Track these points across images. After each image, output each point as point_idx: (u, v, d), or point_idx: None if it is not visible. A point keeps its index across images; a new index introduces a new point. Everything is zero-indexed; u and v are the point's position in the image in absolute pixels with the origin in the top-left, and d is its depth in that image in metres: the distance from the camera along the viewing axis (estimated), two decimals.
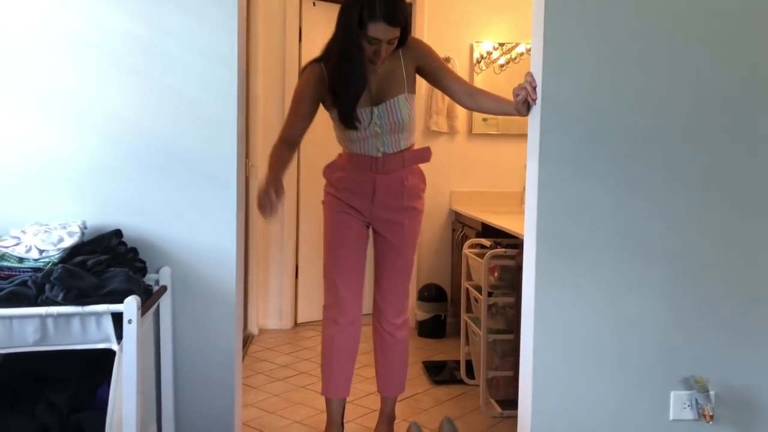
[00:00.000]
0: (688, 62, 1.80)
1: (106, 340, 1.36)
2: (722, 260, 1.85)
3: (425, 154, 2.37)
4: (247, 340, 3.77)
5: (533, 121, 1.85)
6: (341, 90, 2.14)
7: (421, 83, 4.01)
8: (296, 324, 4.13)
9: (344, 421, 2.37)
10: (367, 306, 2.43)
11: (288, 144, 2.22)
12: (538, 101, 1.80)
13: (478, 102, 2.20)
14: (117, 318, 1.36)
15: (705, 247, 1.85)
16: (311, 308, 4.19)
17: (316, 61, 2.23)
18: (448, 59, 4.06)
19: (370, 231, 2.37)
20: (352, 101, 2.14)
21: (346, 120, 2.17)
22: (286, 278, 4.07)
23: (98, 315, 1.35)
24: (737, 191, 1.84)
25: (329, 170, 2.37)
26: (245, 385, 3.02)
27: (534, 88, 1.79)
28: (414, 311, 4.08)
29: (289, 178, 4.02)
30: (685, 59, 1.80)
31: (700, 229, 1.84)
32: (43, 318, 1.32)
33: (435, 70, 2.25)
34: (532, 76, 1.81)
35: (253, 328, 3.94)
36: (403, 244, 2.34)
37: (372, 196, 2.27)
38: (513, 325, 2.70)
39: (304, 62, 3.94)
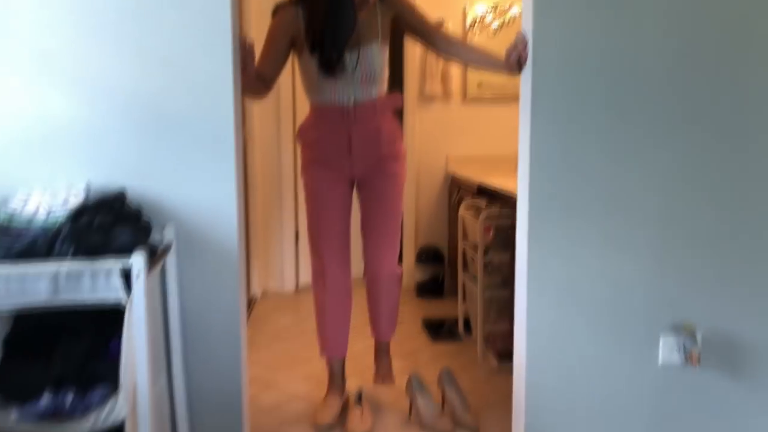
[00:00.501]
0: (678, 21, 1.82)
1: (116, 294, 1.42)
2: (709, 212, 1.90)
3: (396, 100, 2.36)
4: (250, 302, 3.85)
5: (524, 83, 1.88)
6: (331, 33, 2.11)
7: (416, 47, 4.04)
8: (298, 287, 4.22)
9: (345, 376, 2.45)
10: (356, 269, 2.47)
11: (259, 77, 2.15)
12: (529, 62, 1.83)
13: (457, 51, 2.22)
14: (125, 274, 1.42)
15: (694, 200, 1.89)
16: None
17: (290, 3, 2.19)
18: (441, 23, 4.06)
19: (354, 191, 2.38)
20: (341, 44, 2.12)
21: (330, 65, 2.14)
22: (286, 243, 4.14)
23: (107, 270, 1.40)
24: (725, 148, 1.88)
25: (302, 133, 2.36)
26: (250, 344, 3.10)
27: (525, 47, 1.82)
28: (413, 273, 4.16)
29: (286, 142, 4.06)
30: (674, 18, 1.82)
31: (687, 186, 1.88)
32: (54, 274, 1.38)
33: (411, 19, 2.23)
34: (523, 35, 1.84)
35: (256, 292, 4.02)
36: (388, 191, 2.34)
37: (349, 150, 2.26)
38: (508, 282, 2.77)
39: None
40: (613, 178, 1.87)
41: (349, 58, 2.16)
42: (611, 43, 1.82)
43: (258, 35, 3.82)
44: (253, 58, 1.91)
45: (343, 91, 2.21)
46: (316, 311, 2.41)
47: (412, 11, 2.25)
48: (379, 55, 2.20)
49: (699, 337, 1.92)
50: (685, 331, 1.91)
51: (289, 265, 4.16)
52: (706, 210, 1.90)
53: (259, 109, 3.96)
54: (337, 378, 2.41)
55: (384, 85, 2.31)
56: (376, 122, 2.26)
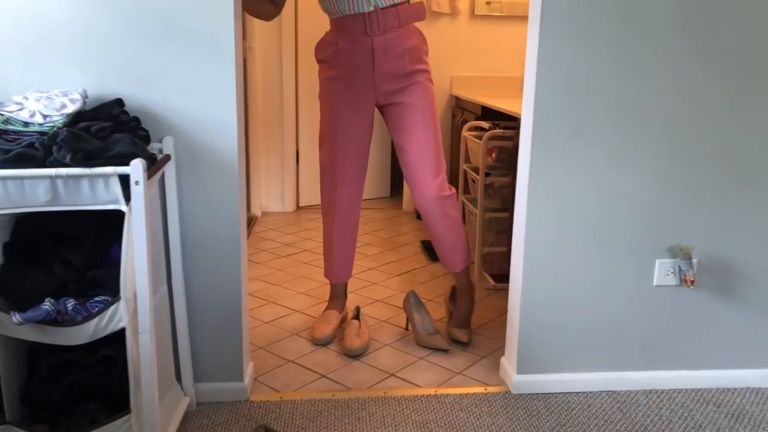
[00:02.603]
0: None
1: (115, 201, 1.42)
2: (716, 135, 1.88)
3: (420, 11, 2.20)
4: (250, 221, 3.87)
5: None
6: None
7: None
8: (298, 207, 4.23)
9: (347, 293, 2.49)
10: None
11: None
12: None
13: None
14: (124, 180, 1.41)
15: (699, 122, 1.87)
16: (313, 192, 4.27)
17: None
18: None
19: (381, 113, 2.26)
20: None
21: None
22: (287, 162, 4.12)
23: (106, 177, 1.39)
24: (736, 68, 1.84)
25: (320, 49, 2.23)
26: (250, 261, 3.14)
27: None
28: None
29: (286, 59, 3.97)
30: None
31: (697, 105, 1.86)
32: (53, 179, 1.37)
33: None
34: None
35: (257, 211, 4.04)
36: (424, 106, 2.16)
37: (372, 65, 2.13)
38: (508, 204, 2.78)
39: None
40: (622, 94, 1.83)
41: None
42: None
43: None
44: None
45: None
46: (324, 238, 2.39)
47: None
48: None
49: (695, 261, 1.94)
50: (681, 253, 1.93)
51: (290, 185, 4.16)
52: (711, 130, 1.88)
53: (259, 23, 3.84)
54: (339, 296, 2.44)
55: None
56: (400, 34, 2.12)
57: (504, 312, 2.53)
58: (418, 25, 2.24)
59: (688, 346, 2.02)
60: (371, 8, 2.09)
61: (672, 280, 1.96)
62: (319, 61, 2.26)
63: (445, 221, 2.23)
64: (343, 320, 2.43)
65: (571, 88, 1.82)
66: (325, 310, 2.42)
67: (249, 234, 3.65)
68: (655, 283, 1.96)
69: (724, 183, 1.92)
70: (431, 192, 2.18)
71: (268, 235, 3.64)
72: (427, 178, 2.17)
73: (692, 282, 1.91)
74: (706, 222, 1.94)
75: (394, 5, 2.12)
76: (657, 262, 1.95)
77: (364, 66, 2.15)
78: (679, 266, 1.94)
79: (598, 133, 1.85)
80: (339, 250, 2.36)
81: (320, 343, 2.28)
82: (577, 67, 1.81)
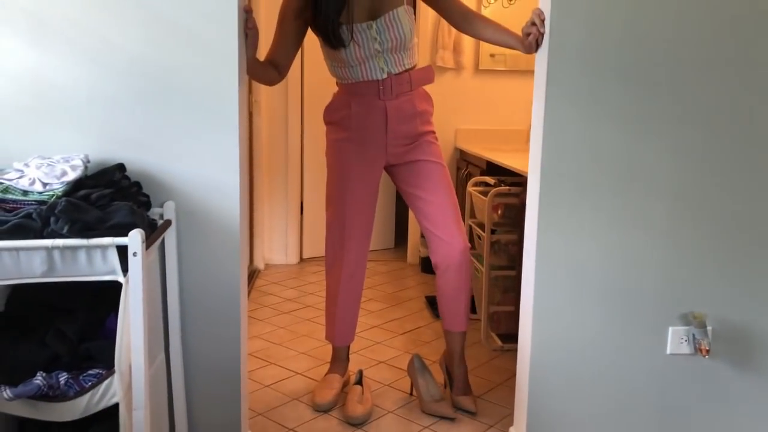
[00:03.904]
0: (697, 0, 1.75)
1: (112, 272, 1.38)
2: (724, 198, 1.85)
3: (429, 74, 2.22)
4: (253, 274, 3.83)
5: (540, 57, 1.81)
6: (322, 5, 1.99)
7: (428, 16, 3.93)
8: (302, 259, 4.19)
9: (349, 356, 2.43)
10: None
11: (272, 64, 2.07)
12: (546, 35, 1.75)
13: (475, 27, 2.08)
14: (122, 251, 1.37)
15: (708, 184, 1.84)
16: (316, 244, 4.23)
17: None
18: None
19: (388, 173, 2.25)
20: (330, 13, 1.99)
21: (329, 37, 2.02)
22: (291, 214, 4.09)
23: (103, 248, 1.36)
24: (742, 129, 1.82)
25: (329, 112, 2.23)
26: (251, 318, 3.09)
27: (543, 22, 1.74)
28: (418, 248, 4.12)
29: (293, 111, 3.99)
30: None
31: (703, 167, 1.83)
32: (49, 250, 1.34)
33: None
34: (540, 10, 1.76)
35: (259, 263, 3.99)
36: (439, 159, 2.19)
37: (385, 128, 2.13)
38: (515, 262, 2.73)
39: None
40: (628, 158, 1.81)
41: (371, 27, 2.03)
42: (632, 17, 1.75)
43: (266, 10, 3.74)
44: (254, 41, 1.78)
45: (374, 65, 2.08)
46: (327, 298, 2.33)
47: None
48: (405, 18, 2.05)
49: (709, 328, 1.87)
50: (695, 321, 1.87)
51: (293, 237, 4.12)
52: (721, 194, 1.85)
53: None
54: (341, 359, 2.38)
55: (416, 52, 2.18)
56: (412, 98, 2.15)
57: (511, 375, 2.46)
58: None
59: (705, 417, 1.94)
60: (384, 75, 2.10)
61: (686, 349, 1.89)
62: (327, 123, 2.26)
63: (466, 275, 2.21)
64: (346, 384, 2.36)
65: (577, 150, 1.80)
66: (326, 374, 2.35)
67: (251, 288, 3.60)
68: (668, 352, 1.90)
69: (735, 246, 1.87)
70: (461, 244, 2.16)
71: (270, 290, 3.59)
72: (456, 230, 2.17)
73: (708, 351, 1.84)
74: (719, 287, 1.88)
75: (406, 70, 2.14)
76: (670, 329, 1.89)
77: (377, 128, 2.15)
78: (693, 334, 1.87)
79: (604, 196, 1.82)
80: (343, 311, 2.30)
81: (321, 410, 2.21)
82: (583, 130, 1.79)
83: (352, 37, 2.03)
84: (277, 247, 4.12)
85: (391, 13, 2.03)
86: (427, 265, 4.00)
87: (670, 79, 1.78)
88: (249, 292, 3.49)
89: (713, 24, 1.76)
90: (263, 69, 2.02)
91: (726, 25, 1.77)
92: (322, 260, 4.12)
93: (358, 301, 2.33)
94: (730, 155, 1.83)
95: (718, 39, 1.77)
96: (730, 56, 1.78)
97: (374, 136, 2.16)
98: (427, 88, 2.25)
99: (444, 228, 2.16)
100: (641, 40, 1.76)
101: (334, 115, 2.22)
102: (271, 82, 2.10)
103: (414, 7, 2.15)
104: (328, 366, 2.42)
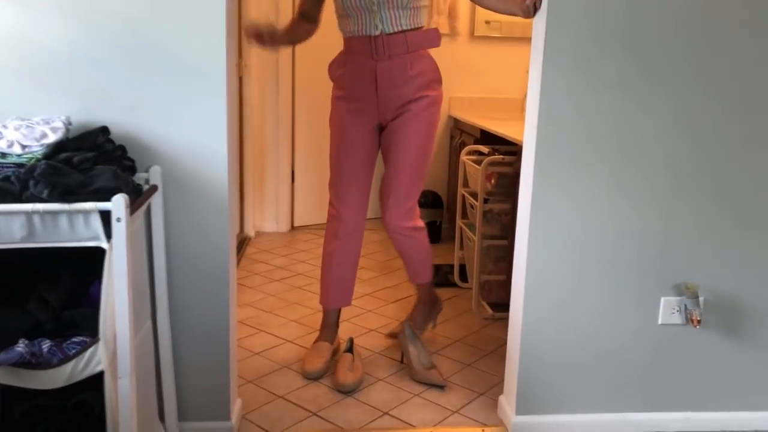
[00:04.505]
0: None
1: (95, 238, 1.34)
2: (721, 170, 1.82)
3: (433, 37, 2.16)
4: (243, 242, 3.79)
5: (538, 23, 1.76)
6: None
7: None
8: (293, 227, 4.15)
9: (339, 320, 2.41)
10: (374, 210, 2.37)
11: (304, 17, 2.17)
12: (544, 3, 1.70)
13: None
14: (106, 216, 1.33)
15: (705, 157, 1.81)
16: (308, 212, 4.20)
17: None
18: None
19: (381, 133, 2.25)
20: None
21: None
22: (282, 182, 4.04)
23: (86, 213, 1.32)
24: (742, 102, 1.79)
25: (332, 68, 2.24)
26: (242, 285, 3.06)
27: None
28: None
29: (283, 78, 3.91)
30: None
31: (701, 139, 1.80)
32: (29, 215, 1.30)
33: None
34: None
35: (250, 231, 3.96)
36: (406, 135, 2.14)
37: (375, 90, 2.12)
38: (507, 231, 2.71)
39: None
40: (625, 127, 1.77)
41: None
42: None
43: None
44: (271, 33, 1.92)
45: (370, 20, 2.04)
46: (323, 261, 2.32)
47: None
48: None
49: (701, 300, 1.86)
50: (688, 292, 1.86)
51: (285, 205, 4.08)
52: (718, 166, 1.82)
53: None
54: (330, 325, 2.36)
55: (422, 17, 2.12)
56: (406, 60, 2.09)
57: (502, 344, 2.46)
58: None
59: (694, 387, 1.94)
60: (377, 32, 2.06)
61: (677, 319, 1.89)
62: (331, 80, 2.28)
63: (404, 247, 2.30)
64: (336, 352, 2.35)
65: (574, 119, 1.76)
66: (315, 341, 2.34)
67: (241, 256, 3.57)
68: (660, 322, 1.89)
69: (731, 219, 1.85)
70: (391, 223, 2.23)
71: (261, 257, 3.56)
72: (393, 208, 2.20)
73: (699, 322, 1.84)
74: (713, 259, 1.87)
75: (402, 31, 2.08)
76: (662, 299, 1.88)
77: (368, 90, 2.14)
78: (685, 305, 1.86)
79: (601, 165, 1.79)
80: (338, 271, 2.30)
81: (311, 378, 2.20)
82: (580, 98, 1.75)
83: None
84: (268, 215, 4.08)
85: None
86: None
87: (671, 48, 1.73)
88: (239, 260, 3.46)
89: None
90: (296, 30, 2.12)
91: (728, 2, 1.72)
92: (314, 228, 4.11)
93: (355, 263, 2.32)
94: (728, 127, 1.80)
95: (722, 8, 1.72)
96: (734, 26, 1.73)
97: (366, 97, 2.15)
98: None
99: (384, 201, 2.22)
100: (643, 8, 1.70)
101: (333, 72, 2.24)
102: (309, 35, 2.19)
103: None
104: (317, 334, 2.40)
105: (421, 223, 2.30)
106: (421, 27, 2.13)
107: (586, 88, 1.74)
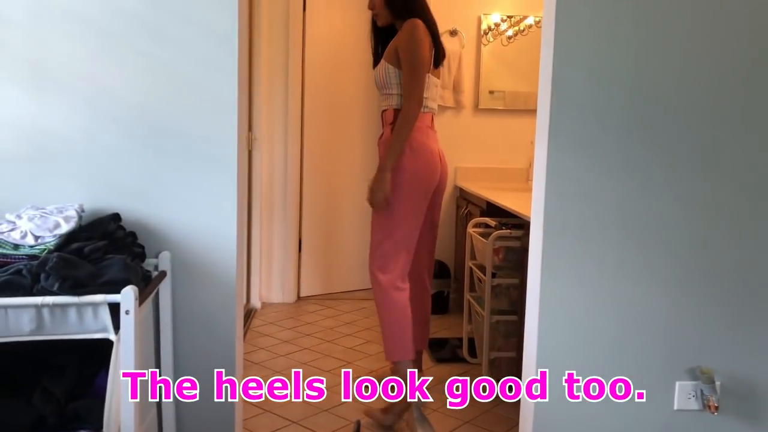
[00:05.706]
0: (702, 47, 1.74)
1: (103, 330, 1.34)
2: (731, 250, 1.81)
3: (390, 115, 2.46)
4: (249, 314, 3.77)
5: (543, 104, 1.79)
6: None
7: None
8: (299, 298, 4.13)
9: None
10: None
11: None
12: (549, 85, 1.74)
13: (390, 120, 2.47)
14: (114, 307, 1.33)
15: (713, 236, 1.81)
16: (314, 282, 4.18)
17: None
18: (455, 32, 3.97)
19: None
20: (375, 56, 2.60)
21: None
22: (289, 252, 4.04)
23: (95, 305, 1.32)
24: (748, 180, 1.80)
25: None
26: (247, 361, 3.02)
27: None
28: None
29: (292, 148, 3.97)
30: (698, 44, 1.74)
31: (709, 218, 1.80)
32: (38, 308, 1.30)
33: (400, 60, 2.38)
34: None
35: (256, 302, 3.93)
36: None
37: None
38: (516, 306, 2.68)
39: (308, 34, 3.88)
40: (633, 207, 1.78)
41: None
42: (637, 64, 1.74)
43: (268, 49, 3.75)
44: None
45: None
46: (397, 318, 2.42)
47: (400, 53, 2.37)
48: (384, 69, 2.43)
49: (718, 384, 1.82)
50: (703, 376, 1.82)
51: (291, 275, 4.07)
52: (728, 246, 1.81)
53: (267, 111, 3.87)
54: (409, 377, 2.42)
55: (391, 100, 2.47)
56: (384, 133, 2.50)
57: (514, 425, 2.40)
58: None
59: None
60: (383, 108, 2.51)
61: (694, 405, 1.84)
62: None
63: (373, 288, 2.48)
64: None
65: (580, 200, 1.77)
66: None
67: (247, 329, 3.53)
68: (675, 407, 1.84)
69: (743, 299, 1.83)
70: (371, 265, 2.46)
71: (266, 330, 3.52)
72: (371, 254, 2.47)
73: (716, 408, 1.79)
74: (726, 341, 1.84)
75: (383, 110, 2.51)
76: (677, 384, 1.84)
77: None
78: (701, 390, 1.82)
79: (609, 246, 1.79)
80: (410, 322, 2.44)
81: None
82: (586, 180, 1.76)
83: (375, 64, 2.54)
84: (275, 286, 4.06)
85: (382, 61, 2.45)
86: (434, 305, 3.94)
87: (674, 129, 1.76)
88: (245, 333, 3.43)
89: (718, 74, 1.75)
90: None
91: (731, 75, 1.76)
92: (320, 299, 4.09)
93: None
94: (736, 206, 1.80)
95: (724, 89, 1.76)
96: (736, 106, 1.77)
97: None
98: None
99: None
100: (644, 90, 1.74)
101: None
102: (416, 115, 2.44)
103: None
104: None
105: (381, 278, 2.41)
106: (392, 109, 2.47)
107: (591, 169, 1.76)
